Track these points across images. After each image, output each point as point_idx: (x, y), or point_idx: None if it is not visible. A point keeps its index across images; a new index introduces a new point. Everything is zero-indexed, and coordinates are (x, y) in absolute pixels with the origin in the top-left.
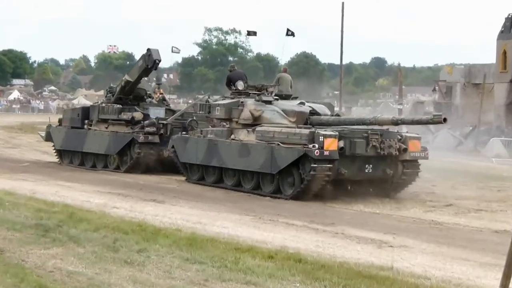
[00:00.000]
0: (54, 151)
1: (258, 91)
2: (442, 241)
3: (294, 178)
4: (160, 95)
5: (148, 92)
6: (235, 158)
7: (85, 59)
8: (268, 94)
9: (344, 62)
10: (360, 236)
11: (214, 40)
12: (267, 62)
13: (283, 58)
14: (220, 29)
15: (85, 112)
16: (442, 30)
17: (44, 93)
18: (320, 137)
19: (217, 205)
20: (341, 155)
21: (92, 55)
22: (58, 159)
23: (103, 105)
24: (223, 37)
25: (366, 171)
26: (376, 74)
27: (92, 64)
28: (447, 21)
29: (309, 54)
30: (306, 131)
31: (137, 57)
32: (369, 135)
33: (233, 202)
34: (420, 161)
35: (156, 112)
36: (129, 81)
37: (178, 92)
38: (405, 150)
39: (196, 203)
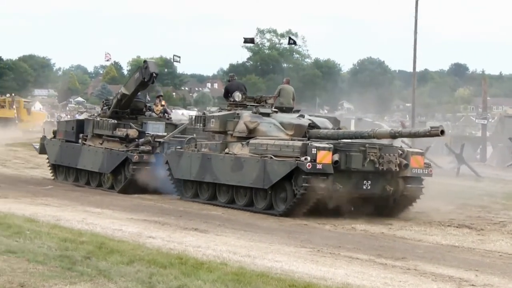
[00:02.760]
0: (48, 165)
1: (256, 103)
2: None
3: (287, 194)
4: (162, 107)
5: (148, 105)
6: (228, 173)
7: (116, 66)
8: (267, 106)
9: (418, 69)
10: (436, 272)
11: (267, 44)
12: (327, 69)
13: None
14: (274, 31)
15: (80, 126)
16: None
17: (70, 105)
18: (313, 150)
19: (268, 235)
20: (336, 169)
21: (125, 61)
22: (52, 175)
23: (98, 119)
24: (277, 40)
25: (364, 187)
26: (455, 83)
27: (125, 72)
28: None
29: (376, 59)
30: (299, 143)
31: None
32: (367, 149)
33: (287, 232)
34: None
35: (155, 128)
36: (125, 94)
37: (224, 104)
38: (407, 166)
39: (244, 232)
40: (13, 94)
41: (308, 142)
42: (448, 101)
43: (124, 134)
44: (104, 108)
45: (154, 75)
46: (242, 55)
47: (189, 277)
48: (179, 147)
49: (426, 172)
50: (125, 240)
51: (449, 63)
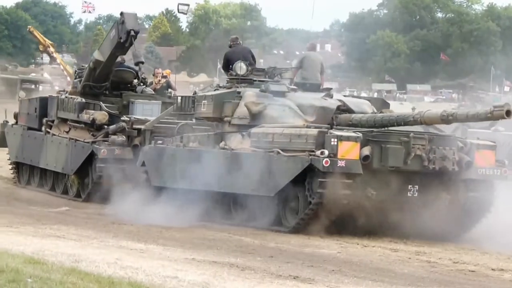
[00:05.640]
0: (10, 163)
1: (268, 77)
2: None
3: (300, 203)
4: (164, 80)
5: (142, 76)
6: (223, 176)
7: (170, 16)
8: (283, 82)
9: None
10: None
11: None
12: (508, 22)
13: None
14: None
15: (44, 106)
16: None
17: None
18: (333, 140)
19: (411, 287)
20: (366, 168)
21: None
22: (13, 177)
23: (63, 97)
24: None
25: (409, 194)
26: None
27: (183, 26)
28: None
29: None
30: (314, 131)
31: (263, 10)
32: (411, 140)
33: (440, 281)
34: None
35: (146, 109)
36: (99, 60)
37: (342, 77)
38: (470, 164)
39: (372, 283)
40: None
41: (326, 130)
42: None
43: (90, 119)
44: (75, 80)
45: (133, 33)
46: (370, 0)
47: None
48: (160, 141)
49: (498, 174)
50: None
51: None
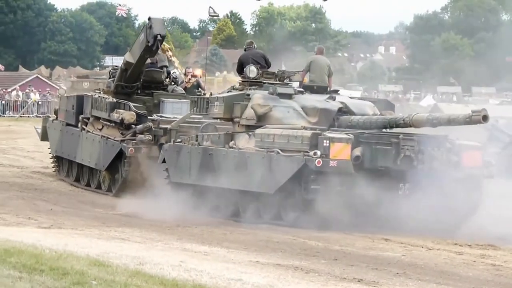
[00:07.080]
0: (51, 157)
1: (278, 80)
2: None
3: (296, 200)
4: (194, 79)
5: (173, 76)
6: (232, 174)
7: (235, 18)
8: (291, 85)
9: None
10: None
11: None
12: None
13: None
14: None
15: (80, 104)
16: None
17: None
18: (325, 141)
19: None
20: (358, 168)
21: (248, 10)
22: (54, 169)
23: (97, 96)
24: None
25: (400, 193)
26: None
27: (248, 28)
28: None
29: None
30: (309, 133)
31: (330, 13)
32: (401, 141)
33: (507, 286)
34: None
35: (176, 108)
36: (129, 62)
37: (406, 80)
38: (457, 164)
39: (437, 286)
40: None
41: (320, 131)
42: None
43: (119, 118)
44: (109, 80)
45: (159, 37)
46: (435, 2)
47: None
48: (179, 140)
49: (485, 173)
50: None
51: None
